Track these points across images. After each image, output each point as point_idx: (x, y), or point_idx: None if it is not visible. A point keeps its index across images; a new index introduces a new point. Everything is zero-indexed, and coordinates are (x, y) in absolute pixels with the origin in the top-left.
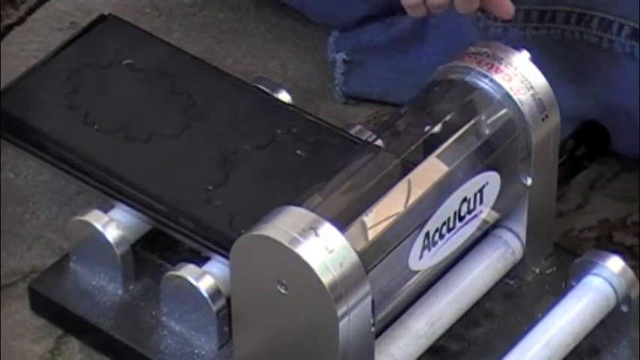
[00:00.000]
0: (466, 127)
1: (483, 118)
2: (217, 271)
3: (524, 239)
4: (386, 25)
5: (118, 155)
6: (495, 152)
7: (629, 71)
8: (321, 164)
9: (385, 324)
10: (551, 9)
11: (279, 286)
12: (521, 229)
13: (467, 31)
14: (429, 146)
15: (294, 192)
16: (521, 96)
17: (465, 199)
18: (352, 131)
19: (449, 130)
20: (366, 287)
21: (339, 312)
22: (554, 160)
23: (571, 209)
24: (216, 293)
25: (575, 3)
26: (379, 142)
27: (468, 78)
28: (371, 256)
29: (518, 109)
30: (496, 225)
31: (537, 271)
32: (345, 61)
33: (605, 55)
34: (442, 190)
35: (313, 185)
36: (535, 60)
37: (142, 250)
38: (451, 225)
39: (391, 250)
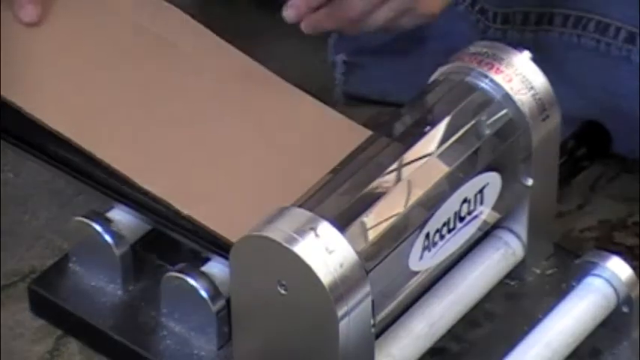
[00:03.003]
0: (466, 127)
1: (484, 118)
2: (217, 272)
3: (524, 240)
4: None
5: None
6: (496, 153)
7: (626, 75)
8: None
9: (385, 324)
10: (549, 12)
11: (278, 287)
12: (521, 229)
13: (466, 31)
14: (429, 146)
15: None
16: (522, 96)
17: (465, 200)
18: None
19: (449, 130)
20: (366, 287)
21: (339, 312)
22: (555, 160)
23: (572, 209)
24: (216, 294)
25: (573, 6)
26: (379, 142)
27: (468, 78)
28: (371, 257)
29: (519, 110)
30: (496, 225)
31: (538, 271)
32: (345, 62)
33: (602, 58)
34: (442, 190)
35: (313, 185)
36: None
37: (141, 250)
38: (451, 225)
39: (391, 251)
